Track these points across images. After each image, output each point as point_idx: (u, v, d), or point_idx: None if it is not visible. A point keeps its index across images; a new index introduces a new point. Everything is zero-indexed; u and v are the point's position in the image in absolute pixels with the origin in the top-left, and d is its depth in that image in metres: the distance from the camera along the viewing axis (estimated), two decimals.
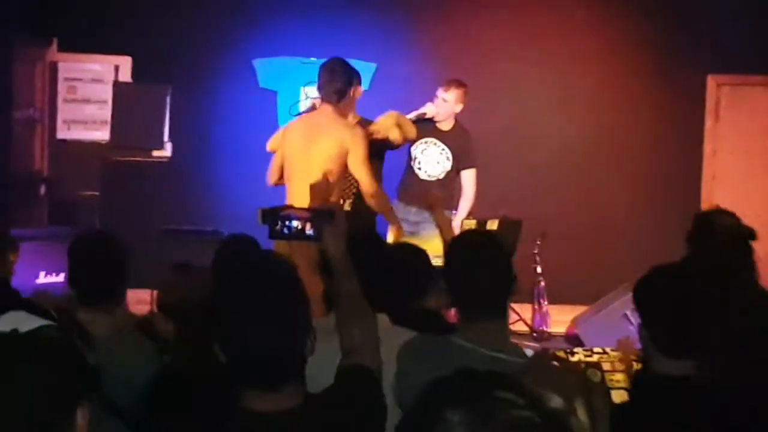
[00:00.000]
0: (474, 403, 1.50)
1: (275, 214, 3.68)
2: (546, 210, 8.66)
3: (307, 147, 6.30)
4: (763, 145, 9.66)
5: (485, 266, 3.28)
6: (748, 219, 9.03)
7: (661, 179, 9.50)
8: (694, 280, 3.34)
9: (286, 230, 3.67)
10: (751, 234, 4.64)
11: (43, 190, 9.44)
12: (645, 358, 3.33)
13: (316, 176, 6.11)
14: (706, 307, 3.20)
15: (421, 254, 4.21)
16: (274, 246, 4.90)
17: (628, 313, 6.45)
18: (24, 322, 2.02)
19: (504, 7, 9.73)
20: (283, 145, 6.47)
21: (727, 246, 4.52)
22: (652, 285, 3.28)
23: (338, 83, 6.35)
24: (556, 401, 2.13)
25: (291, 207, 4.18)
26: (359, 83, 6.57)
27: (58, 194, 9.44)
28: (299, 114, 6.34)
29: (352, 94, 6.48)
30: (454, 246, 3.78)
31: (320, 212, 3.66)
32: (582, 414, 2.19)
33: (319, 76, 6.42)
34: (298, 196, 5.98)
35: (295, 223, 3.65)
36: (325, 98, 6.36)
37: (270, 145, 6.68)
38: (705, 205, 9.20)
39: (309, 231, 3.59)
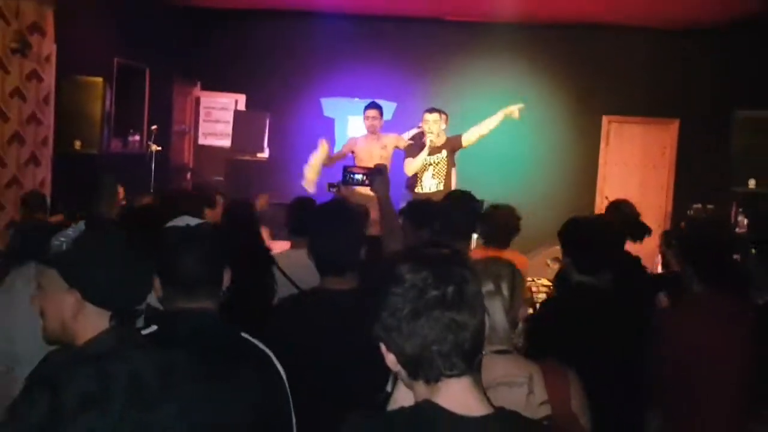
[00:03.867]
0: (410, 256, 1.53)
1: (345, 173, 4.05)
2: (498, 195, 7.15)
3: (374, 145, 7.10)
4: (635, 160, 9.81)
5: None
6: None
7: (571, 179, 9.65)
8: (602, 227, 3.40)
9: (352, 180, 3.99)
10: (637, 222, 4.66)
11: (188, 176, 9.64)
12: (565, 273, 3.31)
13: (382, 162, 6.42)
14: (607, 243, 3.28)
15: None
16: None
17: (549, 261, 6.14)
18: (191, 221, 2.06)
19: (478, 60, 9.59)
20: (353, 148, 7.23)
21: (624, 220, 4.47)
22: (575, 228, 3.28)
23: (380, 116, 7.19)
24: (488, 286, 2.15)
25: (356, 166, 4.62)
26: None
27: (198, 179, 9.36)
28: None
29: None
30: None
31: (373, 170, 3.95)
32: (505, 292, 2.17)
33: (374, 104, 7.19)
34: None
35: (358, 176, 3.97)
36: (372, 126, 7.13)
37: (344, 148, 7.40)
38: (598, 197, 9.55)
39: (366, 181, 3.88)
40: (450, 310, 1.45)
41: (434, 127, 7.01)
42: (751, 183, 7.12)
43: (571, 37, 9.41)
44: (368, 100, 7.41)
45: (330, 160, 7.12)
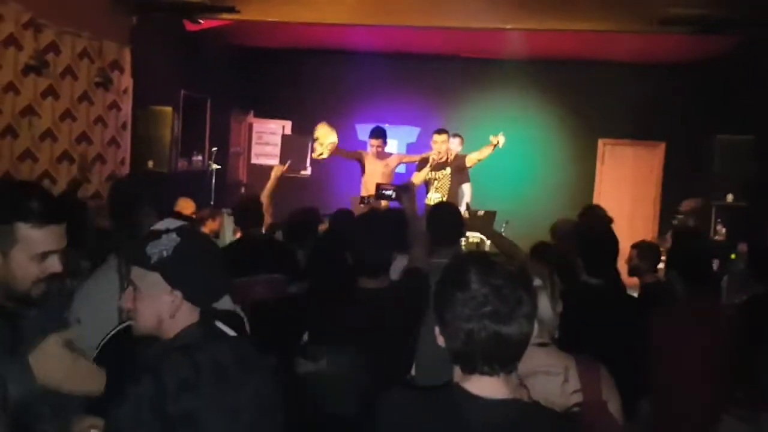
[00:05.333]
0: (483, 264, 1.48)
1: (377, 189, 4.08)
2: (508, 207, 8.14)
3: (374, 166, 6.99)
4: (627, 177, 9.76)
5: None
6: (618, 215, 8.23)
7: (571, 194, 9.44)
8: (610, 236, 3.29)
9: (383, 195, 4.16)
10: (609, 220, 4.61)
11: (243, 190, 9.65)
12: (576, 273, 3.23)
13: (384, 179, 6.74)
14: (611, 251, 3.21)
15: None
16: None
17: None
18: (174, 223, 1.91)
19: (489, 91, 9.63)
20: (363, 159, 7.09)
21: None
22: (587, 236, 3.28)
23: (383, 143, 7.04)
24: (537, 281, 2.05)
25: (385, 184, 4.54)
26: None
27: (251, 193, 8.56)
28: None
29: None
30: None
31: (401, 186, 4.07)
32: (548, 286, 2.15)
33: (379, 133, 7.02)
34: (366, 190, 6.67)
35: (388, 192, 4.18)
36: (377, 153, 6.99)
37: (356, 153, 7.17)
38: None
39: (395, 196, 4.03)
40: (498, 323, 1.43)
41: (442, 147, 6.82)
42: (729, 197, 7.09)
43: (571, 72, 9.38)
44: (399, 126, 7.83)
45: (341, 152, 7.05)
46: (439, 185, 6.94)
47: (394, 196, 4.15)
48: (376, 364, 2.67)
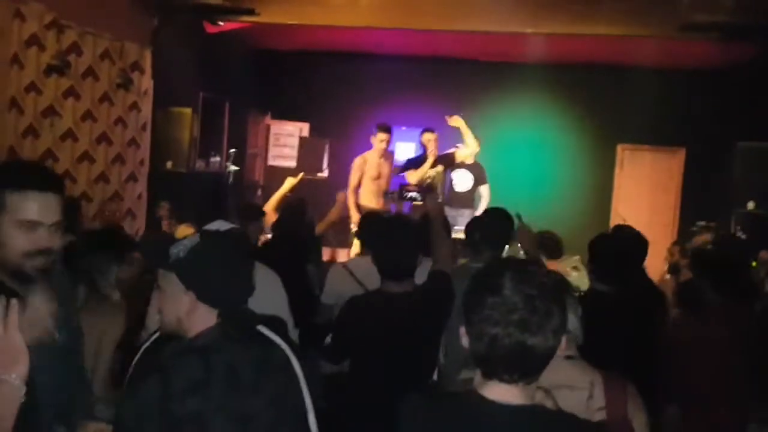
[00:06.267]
0: (519, 271, 1.46)
1: (401, 190, 4.13)
2: (525, 211, 7.96)
3: (379, 167, 6.85)
4: (646, 183, 9.72)
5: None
6: (636, 221, 8.14)
7: (590, 199, 9.59)
8: (623, 244, 3.36)
9: (407, 196, 4.14)
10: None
11: (259, 192, 9.69)
12: (589, 281, 3.30)
13: (388, 180, 6.78)
14: (625, 260, 3.26)
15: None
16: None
17: (569, 269, 5.21)
18: (224, 225, 1.86)
19: (507, 95, 9.47)
20: (363, 166, 6.96)
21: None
22: (600, 245, 3.29)
23: (391, 138, 6.96)
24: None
25: (409, 185, 4.53)
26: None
27: (267, 195, 8.63)
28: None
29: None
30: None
31: (424, 188, 4.22)
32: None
33: (387, 128, 6.92)
34: (369, 192, 6.63)
35: (412, 193, 4.13)
36: (382, 148, 6.86)
37: (356, 173, 6.87)
38: (614, 213, 9.49)
39: (419, 197, 4.06)
40: (524, 333, 1.41)
41: (434, 145, 6.84)
42: (750, 205, 7.06)
43: (590, 76, 9.35)
44: (416, 129, 7.34)
45: (352, 183, 6.97)
46: (432, 184, 6.86)
47: (420, 198, 4.15)
48: (399, 368, 2.68)
